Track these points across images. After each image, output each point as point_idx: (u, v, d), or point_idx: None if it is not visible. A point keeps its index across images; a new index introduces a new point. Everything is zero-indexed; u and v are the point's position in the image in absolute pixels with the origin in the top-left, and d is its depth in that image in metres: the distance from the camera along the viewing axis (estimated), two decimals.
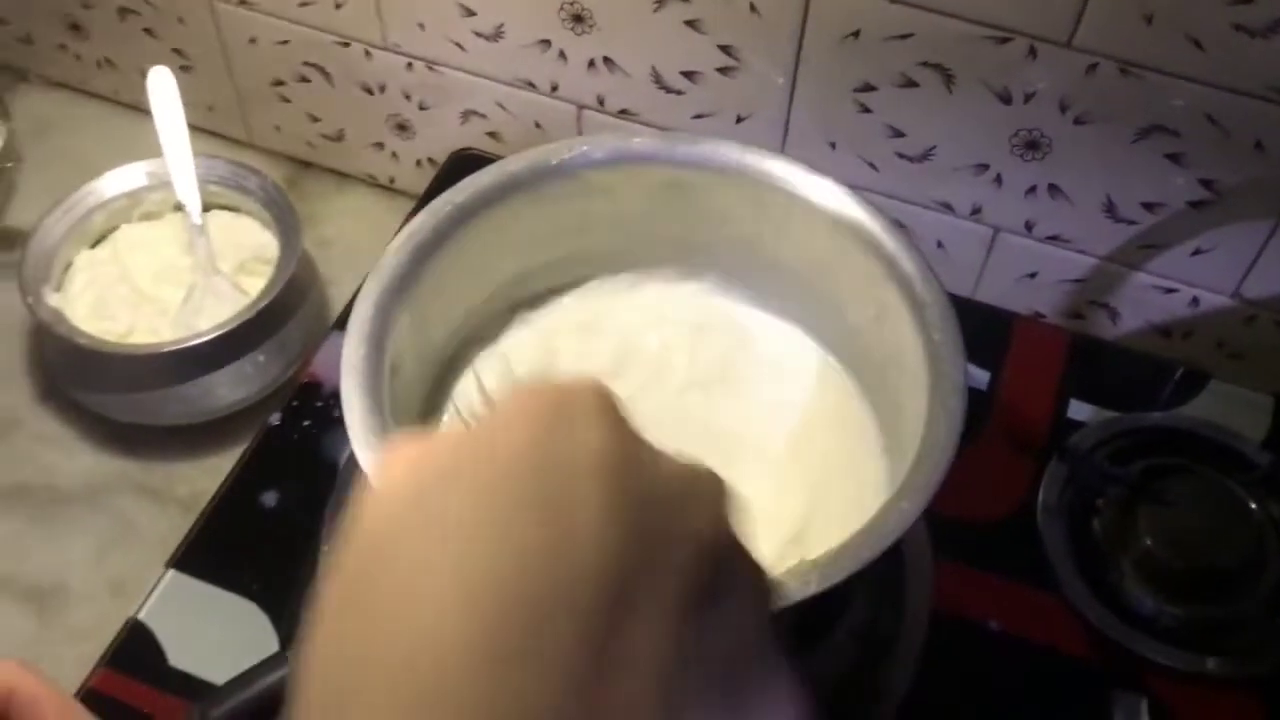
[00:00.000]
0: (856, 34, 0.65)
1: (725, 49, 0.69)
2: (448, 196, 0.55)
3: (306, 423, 0.67)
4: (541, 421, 0.26)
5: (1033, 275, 0.74)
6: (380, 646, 0.24)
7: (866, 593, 0.61)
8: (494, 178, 0.57)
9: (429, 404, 0.58)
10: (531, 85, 0.76)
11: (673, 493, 0.27)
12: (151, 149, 0.76)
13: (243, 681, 0.47)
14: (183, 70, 0.85)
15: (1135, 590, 0.62)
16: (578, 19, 0.70)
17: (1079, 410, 0.70)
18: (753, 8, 0.66)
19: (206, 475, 0.70)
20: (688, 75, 0.71)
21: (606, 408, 0.27)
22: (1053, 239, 0.71)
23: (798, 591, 0.44)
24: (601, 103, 0.75)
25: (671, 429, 0.58)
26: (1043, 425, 0.69)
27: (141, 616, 0.60)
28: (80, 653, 0.62)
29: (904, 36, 0.64)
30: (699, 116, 0.73)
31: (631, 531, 0.25)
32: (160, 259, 0.77)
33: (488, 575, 0.24)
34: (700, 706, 0.26)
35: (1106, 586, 0.63)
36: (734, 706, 0.28)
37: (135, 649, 0.59)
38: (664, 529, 0.26)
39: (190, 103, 0.84)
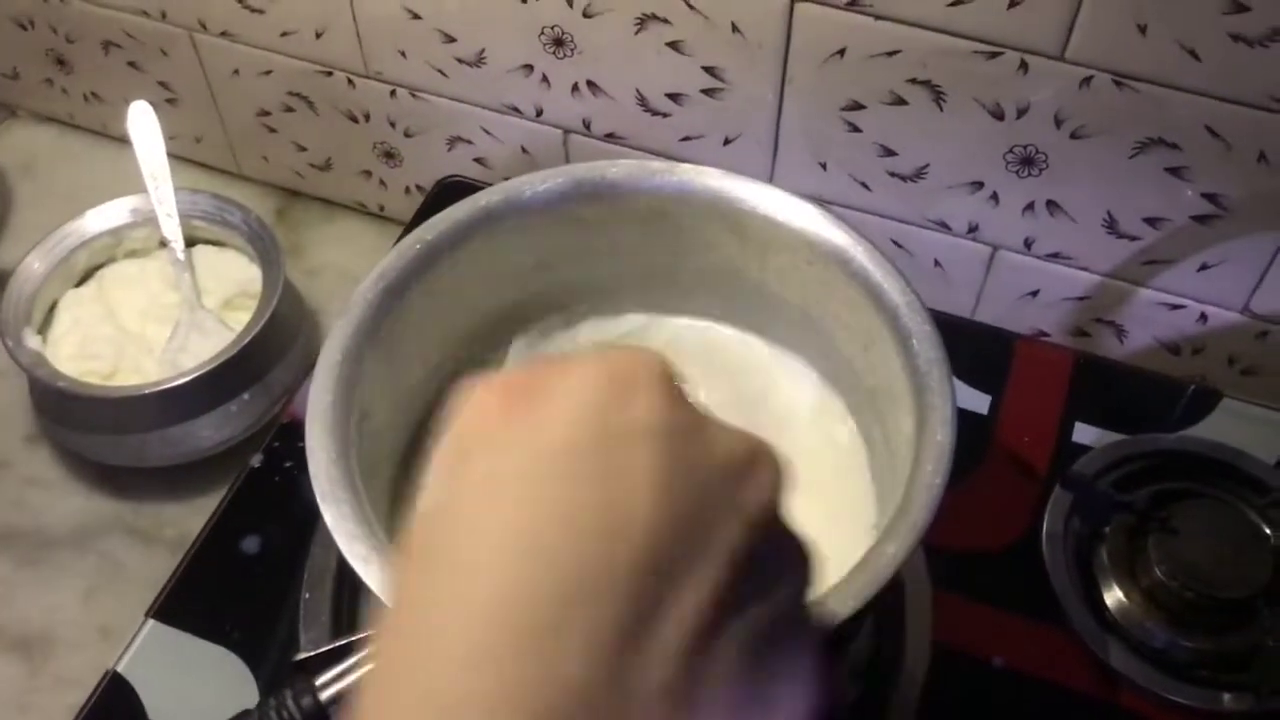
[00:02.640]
0: (842, 52, 0.63)
1: (710, 70, 0.67)
2: (418, 234, 0.54)
3: (288, 464, 0.65)
4: (599, 387, 0.26)
5: (1034, 294, 0.72)
6: (421, 612, 0.24)
7: (864, 630, 0.59)
8: (467, 212, 0.55)
9: (408, 449, 0.56)
10: (516, 110, 0.75)
11: (729, 466, 0.27)
12: (141, 181, 0.75)
13: None
14: (168, 103, 0.84)
15: (1145, 622, 0.60)
16: (558, 43, 0.69)
17: (1084, 433, 0.67)
18: (735, 28, 0.64)
19: (196, 516, 0.69)
20: (673, 98, 0.69)
21: (665, 378, 0.27)
22: (1053, 256, 0.69)
23: None
24: (588, 126, 0.74)
25: None
26: (1046, 450, 0.67)
27: (120, 669, 0.59)
28: (70, 702, 0.61)
29: (891, 54, 0.62)
30: (686, 139, 0.71)
31: (681, 504, 0.25)
32: (146, 296, 0.76)
33: (530, 542, 0.24)
34: (729, 683, 0.25)
35: (1115, 619, 0.61)
36: (760, 682, 0.27)
37: (114, 704, 0.58)
38: (715, 503, 0.26)
39: (178, 135, 0.83)
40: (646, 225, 0.57)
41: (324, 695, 0.45)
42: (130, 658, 0.59)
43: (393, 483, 0.55)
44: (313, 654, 0.51)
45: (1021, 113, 0.62)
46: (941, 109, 0.63)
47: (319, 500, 0.45)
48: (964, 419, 0.49)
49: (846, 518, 0.54)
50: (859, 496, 0.55)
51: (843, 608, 0.44)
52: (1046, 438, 0.67)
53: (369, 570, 0.43)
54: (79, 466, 0.73)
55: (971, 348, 0.70)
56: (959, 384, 0.63)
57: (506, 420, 0.26)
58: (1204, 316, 0.69)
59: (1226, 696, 0.58)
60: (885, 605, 0.60)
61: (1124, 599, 0.61)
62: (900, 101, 0.64)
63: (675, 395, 0.27)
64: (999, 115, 0.63)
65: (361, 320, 0.52)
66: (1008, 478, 0.66)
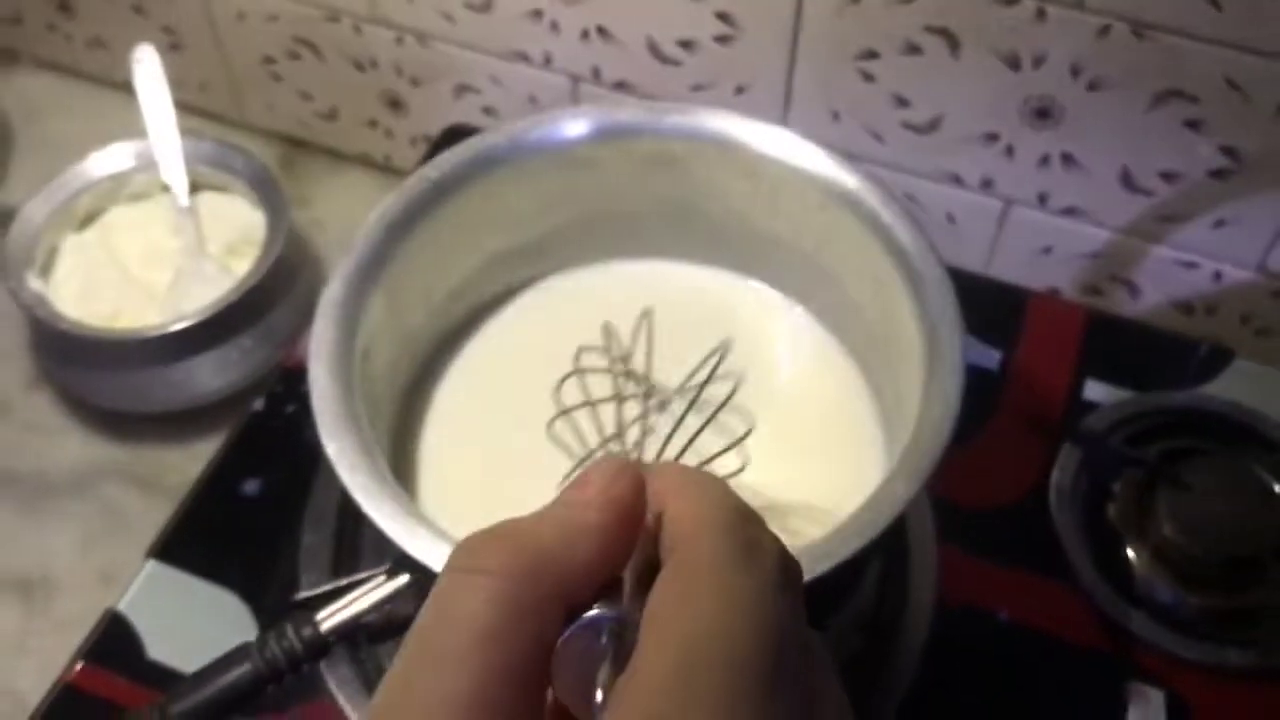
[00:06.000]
0: None
1: (722, 16, 0.66)
2: (423, 173, 0.53)
3: (290, 409, 0.65)
4: None
5: (1047, 250, 0.71)
6: None
7: (868, 581, 0.59)
8: (472, 152, 0.54)
9: (410, 391, 0.55)
10: (525, 58, 0.74)
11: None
12: (145, 130, 0.74)
13: (206, 676, 0.45)
14: (172, 49, 0.83)
15: (1153, 579, 0.60)
16: None
17: (1095, 390, 0.66)
18: None
19: (197, 463, 0.68)
20: (684, 45, 0.68)
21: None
22: (1068, 212, 0.68)
23: None
24: (597, 75, 0.73)
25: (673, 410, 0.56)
26: (1057, 406, 0.66)
27: (121, 608, 0.58)
28: (69, 644, 0.61)
29: (907, 0, 0.61)
30: (697, 88, 0.70)
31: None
32: (148, 241, 0.75)
33: None
34: None
35: (1122, 575, 0.60)
36: None
37: (113, 642, 0.57)
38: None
39: (182, 82, 0.82)
40: (654, 168, 0.56)
41: (324, 627, 0.44)
42: (130, 597, 0.59)
43: (395, 425, 0.54)
44: (313, 594, 0.51)
45: (1038, 63, 0.61)
46: (957, 58, 0.62)
47: (320, 432, 0.45)
48: (975, 375, 0.49)
49: (851, 468, 0.53)
50: (864, 450, 0.55)
51: (846, 547, 0.43)
52: (1057, 395, 0.66)
53: (370, 500, 0.43)
54: (79, 412, 0.73)
55: (983, 304, 0.69)
56: (970, 340, 0.63)
57: None
58: (1218, 275, 0.68)
59: (1233, 653, 0.58)
60: (889, 558, 0.60)
61: (1132, 555, 0.61)
62: (915, 50, 0.63)
63: None
64: (1015, 65, 0.62)
65: (364, 258, 0.51)
66: (1017, 434, 0.65)
